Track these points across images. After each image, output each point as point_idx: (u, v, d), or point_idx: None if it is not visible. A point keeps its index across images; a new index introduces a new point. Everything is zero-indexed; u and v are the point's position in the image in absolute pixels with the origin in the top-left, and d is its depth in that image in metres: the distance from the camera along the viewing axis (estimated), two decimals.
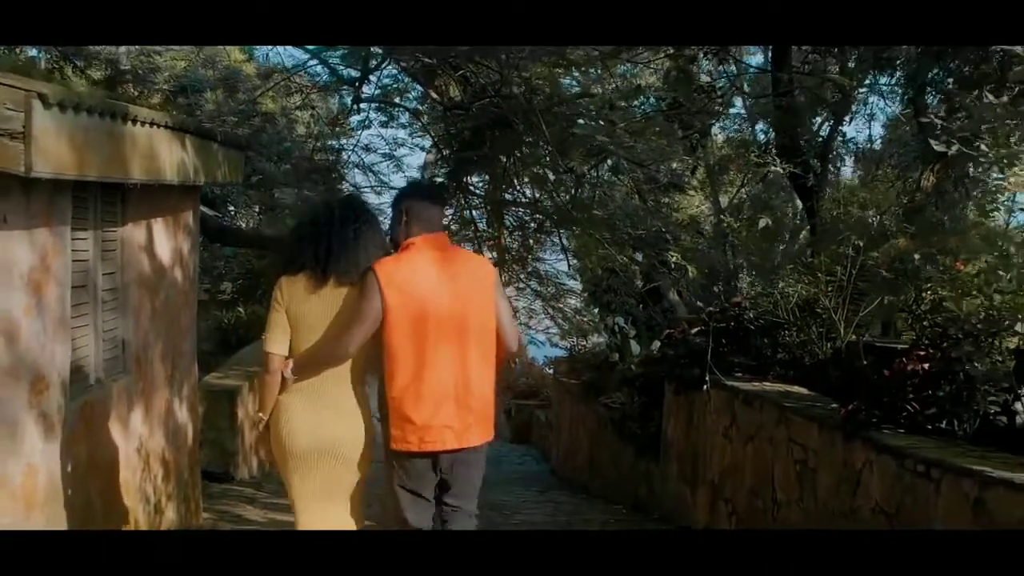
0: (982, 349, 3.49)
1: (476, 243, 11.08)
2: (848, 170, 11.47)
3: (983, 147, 3.12)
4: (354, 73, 9.75)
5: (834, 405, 4.26)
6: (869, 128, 18.66)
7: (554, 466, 11.54)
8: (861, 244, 4.69)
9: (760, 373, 5.47)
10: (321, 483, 3.13)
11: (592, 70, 9.61)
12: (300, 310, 3.09)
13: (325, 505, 3.15)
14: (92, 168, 3.20)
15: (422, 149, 11.94)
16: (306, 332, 3.09)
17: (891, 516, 3.44)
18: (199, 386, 5.96)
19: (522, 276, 12.35)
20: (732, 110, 12.05)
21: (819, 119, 9.33)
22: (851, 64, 7.55)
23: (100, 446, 3.82)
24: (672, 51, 8.06)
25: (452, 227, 10.86)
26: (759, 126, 12.34)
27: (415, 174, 11.77)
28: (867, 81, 8.16)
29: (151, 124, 3.78)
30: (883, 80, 8.15)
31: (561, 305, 12.85)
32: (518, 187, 10.68)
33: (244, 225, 12.84)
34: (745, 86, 11.28)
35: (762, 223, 5.60)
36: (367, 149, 11.60)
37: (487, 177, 10.77)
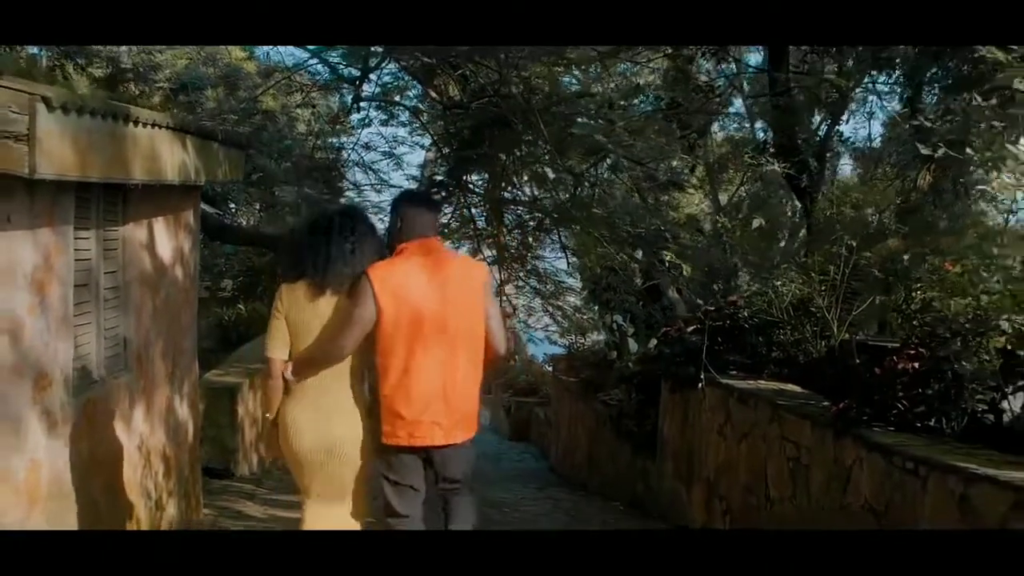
0: (970, 348, 3.54)
1: (475, 241, 11.13)
2: (848, 168, 11.52)
3: (969, 150, 3.17)
4: (354, 72, 9.80)
5: (826, 403, 4.32)
6: (868, 127, 18.65)
7: (553, 463, 11.59)
8: (854, 244, 4.73)
9: (755, 371, 5.52)
10: (326, 480, 3.28)
11: (592, 69, 9.66)
12: (300, 317, 3.23)
13: (331, 501, 3.30)
14: (95, 169, 3.25)
15: (422, 147, 12.00)
16: (306, 337, 3.23)
17: (880, 513, 3.50)
18: (200, 383, 6.01)
19: (521, 274, 12.39)
20: (731, 109, 12.11)
21: (817, 118, 9.36)
22: (849, 63, 7.58)
23: (102, 442, 3.87)
24: (670, 51, 8.10)
25: (452, 225, 10.91)
26: (758, 124, 12.38)
27: (415, 172, 11.83)
28: (866, 80, 8.19)
29: (152, 125, 3.83)
30: (882, 79, 8.18)
31: (560, 303, 12.89)
32: (517, 185, 10.72)
33: (245, 223, 12.88)
34: (745, 84, 11.31)
35: (756, 223, 5.65)
36: (367, 147, 11.67)
37: (486, 175, 10.81)
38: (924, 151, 3.36)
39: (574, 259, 11.44)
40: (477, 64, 8.68)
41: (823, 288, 4.95)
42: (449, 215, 10.69)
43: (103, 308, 3.93)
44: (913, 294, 4.38)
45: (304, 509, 3.37)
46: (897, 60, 6.89)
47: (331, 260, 3.20)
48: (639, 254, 9.03)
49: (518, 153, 9.31)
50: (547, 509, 7.46)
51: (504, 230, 11.27)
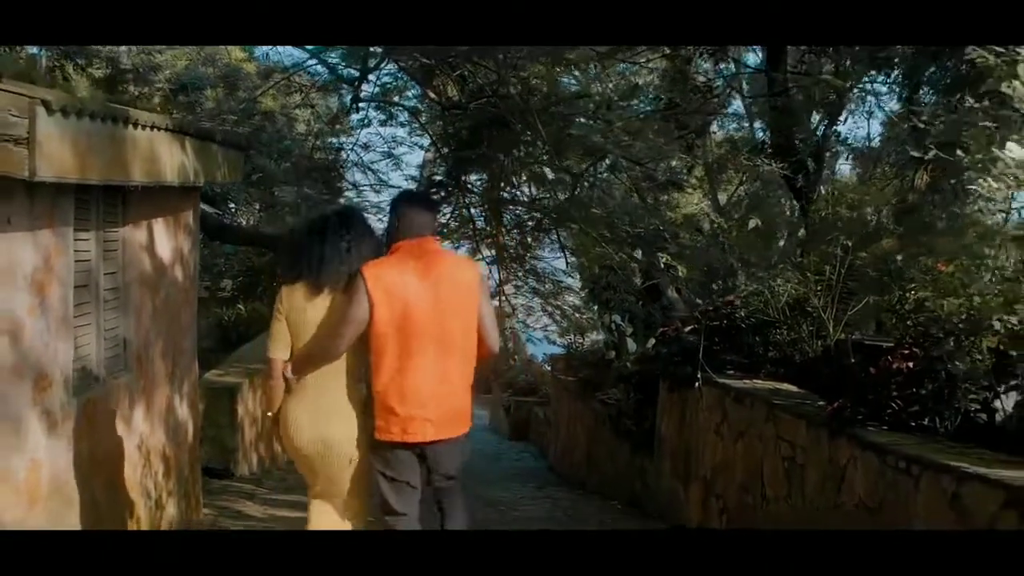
0: (963, 348, 3.56)
1: (474, 241, 11.16)
2: (847, 167, 11.52)
3: (959, 152, 3.19)
4: (353, 72, 9.83)
5: (822, 403, 4.34)
6: (868, 126, 18.64)
7: (552, 462, 11.61)
8: (849, 244, 4.76)
9: (752, 371, 5.54)
10: (326, 478, 3.35)
11: (590, 68, 9.67)
12: (299, 317, 3.28)
13: (332, 498, 3.38)
14: (94, 172, 3.28)
15: (421, 148, 12.03)
16: (305, 336, 3.29)
17: (874, 511, 3.52)
18: (199, 383, 6.04)
19: (520, 274, 12.43)
20: (730, 109, 12.12)
21: (816, 117, 9.37)
22: (847, 62, 7.58)
23: (102, 442, 3.90)
24: (668, 51, 8.12)
25: (451, 225, 10.94)
26: (757, 124, 12.39)
27: (414, 172, 11.86)
28: (865, 79, 8.20)
29: (151, 127, 3.86)
30: (880, 79, 8.19)
31: (559, 303, 12.93)
32: (516, 185, 10.75)
33: (244, 223, 12.91)
34: (744, 83, 11.32)
35: (751, 223, 5.67)
36: (366, 147, 11.71)
37: (485, 176, 10.84)
38: (914, 153, 3.39)
39: (573, 259, 11.47)
40: (475, 64, 8.71)
41: (819, 288, 4.98)
42: (448, 215, 10.72)
43: (103, 309, 3.96)
44: (907, 294, 4.41)
45: (309, 508, 3.46)
46: (896, 59, 6.90)
47: (326, 259, 3.26)
48: (638, 254, 9.06)
49: (517, 153, 9.34)
50: (546, 508, 7.48)
51: (503, 230, 11.32)
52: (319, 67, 10.42)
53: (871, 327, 5.30)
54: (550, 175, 9.67)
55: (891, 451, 3.41)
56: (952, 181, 4.21)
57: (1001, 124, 3.13)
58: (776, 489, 4.55)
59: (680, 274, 7.74)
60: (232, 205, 12.62)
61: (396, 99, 10.87)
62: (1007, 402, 3.55)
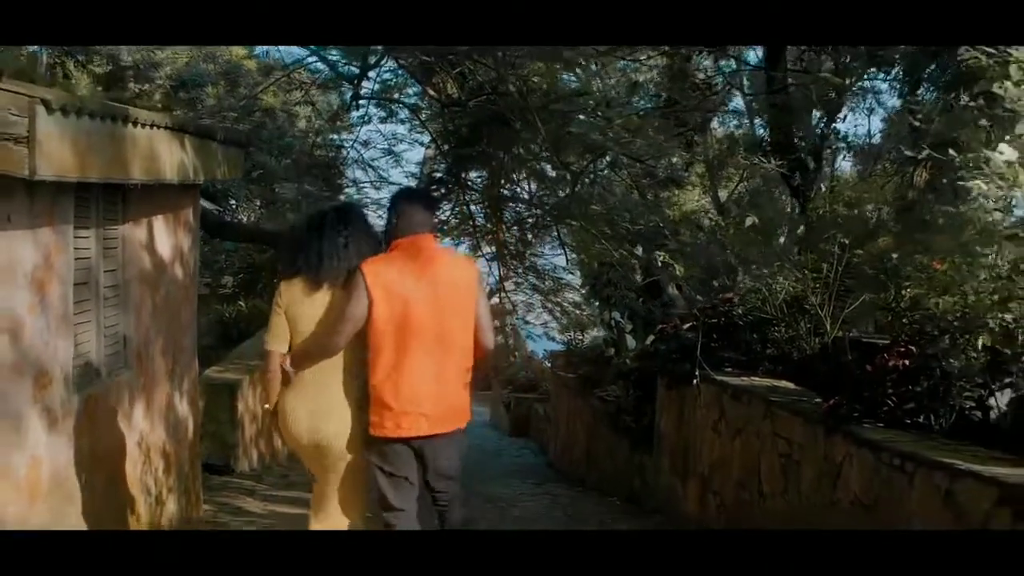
0: (958, 346, 3.58)
1: (475, 238, 11.18)
2: (847, 165, 11.51)
3: (951, 151, 3.21)
4: (354, 69, 9.83)
5: (818, 400, 4.36)
6: (868, 123, 18.65)
7: (551, 459, 11.64)
8: (847, 241, 4.77)
9: (749, 368, 5.55)
10: (324, 468, 3.39)
11: (590, 65, 9.67)
12: (298, 312, 3.31)
13: (332, 491, 3.41)
14: (94, 170, 3.30)
15: (421, 145, 12.03)
16: (304, 331, 3.32)
17: (869, 508, 3.54)
18: (199, 380, 6.07)
19: (520, 271, 12.44)
20: (731, 105, 12.12)
21: (816, 115, 9.37)
22: (846, 60, 7.59)
23: (102, 439, 3.93)
24: (668, 48, 8.12)
25: (451, 222, 10.95)
26: (758, 121, 12.38)
27: (414, 169, 11.88)
28: (864, 76, 8.20)
29: (151, 126, 3.88)
30: (880, 76, 8.20)
31: (559, 299, 12.94)
32: (516, 182, 10.76)
33: (245, 219, 12.93)
34: (745, 80, 11.31)
35: (748, 221, 5.68)
36: (366, 145, 11.74)
37: (485, 173, 10.85)
38: (908, 153, 3.40)
39: (573, 256, 11.48)
40: (475, 62, 8.71)
41: (817, 286, 4.99)
42: (448, 212, 10.74)
43: (103, 306, 3.98)
44: (903, 292, 4.42)
45: (312, 505, 3.51)
46: (896, 57, 6.91)
47: (325, 255, 3.29)
48: (638, 251, 9.07)
49: (516, 151, 9.35)
50: (545, 504, 7.50)
51: (503, 227, 11.32)
52: (319, 64, 10.43)
53: (869, 325, 5.32)
54: (550, 172, 9.67)
55: (886, 448, 3.43)
56: (946, 180, 4.21)
57: (995, 123, 3.15)
58: (772, 485, 4.58)
59: (679, 272, 7.74)
60: (233, 202, 12.65)
61: (396, 96, 10.87)
62: (1001, 400, 3.57)
